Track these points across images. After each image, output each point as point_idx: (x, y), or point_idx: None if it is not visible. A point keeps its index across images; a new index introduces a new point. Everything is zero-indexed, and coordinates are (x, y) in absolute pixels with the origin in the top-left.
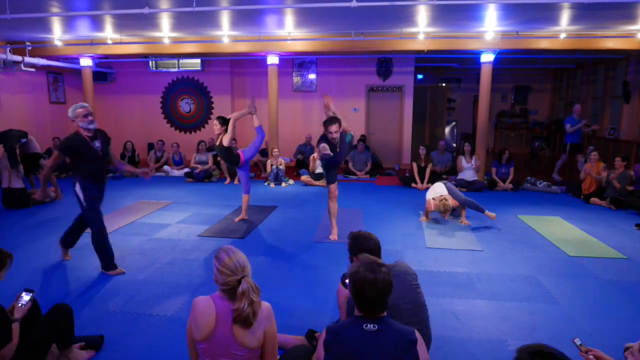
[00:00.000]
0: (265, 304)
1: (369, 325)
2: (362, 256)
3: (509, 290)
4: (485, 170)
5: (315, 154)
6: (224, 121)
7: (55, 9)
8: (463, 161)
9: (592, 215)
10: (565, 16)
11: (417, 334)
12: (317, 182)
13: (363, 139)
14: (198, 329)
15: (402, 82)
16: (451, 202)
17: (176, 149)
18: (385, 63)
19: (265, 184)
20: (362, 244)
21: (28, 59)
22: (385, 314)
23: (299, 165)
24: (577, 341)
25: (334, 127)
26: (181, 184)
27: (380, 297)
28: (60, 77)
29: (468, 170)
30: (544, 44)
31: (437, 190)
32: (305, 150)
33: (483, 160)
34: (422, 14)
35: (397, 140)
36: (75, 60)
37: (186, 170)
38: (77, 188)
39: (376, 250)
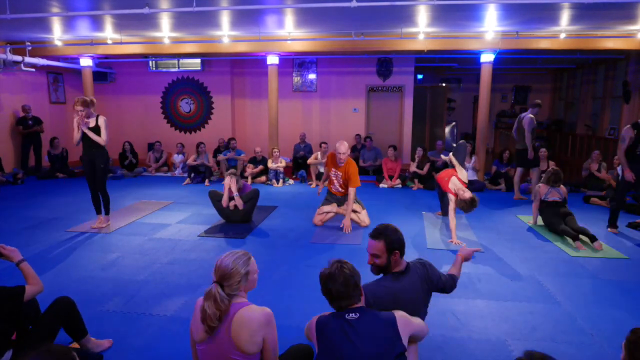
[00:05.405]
0: (265, 310)
1: (350, 314)
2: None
3: (509, 290)
4: (485, 170)
5: (319, 154)
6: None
7: (55, 9)
8: None
9: (592, 215)
10: (565, 16)
11: (395, 313)
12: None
13: (370, 137)
14: (197, 330)
15: (402, 82)
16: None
17: (180, 149)
18: (385, 63)
19: (267, 183)
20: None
21: (28, 59)
22: (361, 304)
23: (296, 167)
24: None
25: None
26: (181, 184)
27: (342, 290)
28: (60, 77)
29: (468, 170)
30: (544, 44)
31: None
32: (300, 148)
33: (483, 160)
34: (422, 14)
35: (397, 140)
36: (75, 60)
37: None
38: None
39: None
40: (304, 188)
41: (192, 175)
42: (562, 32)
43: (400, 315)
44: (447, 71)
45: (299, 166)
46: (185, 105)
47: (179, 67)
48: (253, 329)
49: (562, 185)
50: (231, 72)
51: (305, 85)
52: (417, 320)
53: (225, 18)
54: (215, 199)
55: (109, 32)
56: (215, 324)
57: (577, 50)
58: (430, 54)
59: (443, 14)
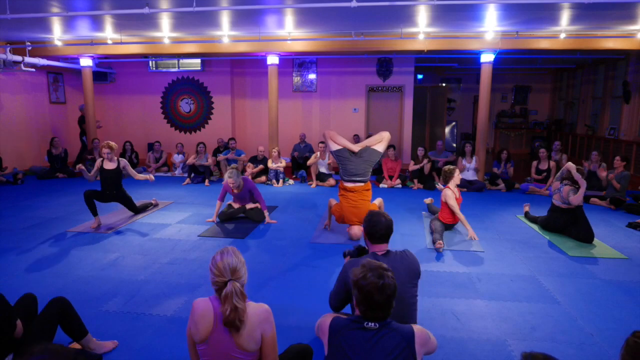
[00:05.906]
0: (263, 307)
1: (370, 324)
2: (366, 261)
3: (509, 290)
4: (485, 170)
5: (319, 153)
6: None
7: (55, 9)
8: (464, 161)
9: (592, 215)
10: (565, 16)
11: (415, 328)
12: (322, 183)
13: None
14: (197, 331)
15: (402, 82)
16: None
17: (180, 149)
18: (385, 63)
19: (266, 183)
20: (374, 230)
21: (28, 59)
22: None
23: (296, 167)
24: None
25: None
26: (181, 184)
27: (388, 301)
28: (60, 77)
29: (468, 170)
30: (544, 44)
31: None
32: (300, 149)
33: (483, 161)
34: (422, 14)
35: (397, 140)
36: (75, 60)
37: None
38: None
39: (386, 235)
40: (304, 188)
41: (192, 175)
42: (562, 32)
43: (418, 330)
44: (447, 71)
45: (299, 166)
46: (185, 105)
47: (179, 67)
48: (252, 325)
49: (566, 184)
50: (231, 72)
51: (305, 85)
52: (432, 337)
53: (225, 18)
54: (225, 216)
55: (109, 32)
56: (245, 317)
57: (577, 50)
58: (430, 54)
59: (443, 14)
